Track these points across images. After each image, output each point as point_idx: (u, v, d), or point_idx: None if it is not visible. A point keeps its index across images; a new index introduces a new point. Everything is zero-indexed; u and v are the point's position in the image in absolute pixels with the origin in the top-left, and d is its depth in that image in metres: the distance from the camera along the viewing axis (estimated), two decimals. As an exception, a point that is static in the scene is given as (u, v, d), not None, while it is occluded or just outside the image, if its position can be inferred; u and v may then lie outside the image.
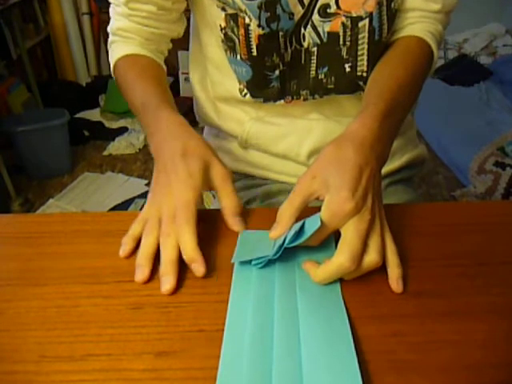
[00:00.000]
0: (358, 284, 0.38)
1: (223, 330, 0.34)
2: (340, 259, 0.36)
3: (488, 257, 0.42)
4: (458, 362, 0.32)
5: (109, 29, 0.61)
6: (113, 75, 0.62)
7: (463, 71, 2.42)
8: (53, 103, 2.36)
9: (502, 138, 1.90)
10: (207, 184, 0.45)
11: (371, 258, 0.38)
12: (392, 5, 0.54)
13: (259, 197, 0.68)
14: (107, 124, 2.40)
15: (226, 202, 0.45)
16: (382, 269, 0.39)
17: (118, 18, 0.59)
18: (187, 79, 2.41)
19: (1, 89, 2.10)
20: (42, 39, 2.54)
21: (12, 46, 2.21)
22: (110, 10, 0.60)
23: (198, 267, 0.39)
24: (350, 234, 0.38)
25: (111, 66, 0.61)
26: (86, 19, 2.63)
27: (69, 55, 2.67)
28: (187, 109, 2.37)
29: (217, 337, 0.33)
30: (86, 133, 2.32)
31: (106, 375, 0.31)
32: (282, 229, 0.40)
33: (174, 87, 2.51)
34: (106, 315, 0.36)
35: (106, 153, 2.19)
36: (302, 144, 0.64)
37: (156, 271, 0.40)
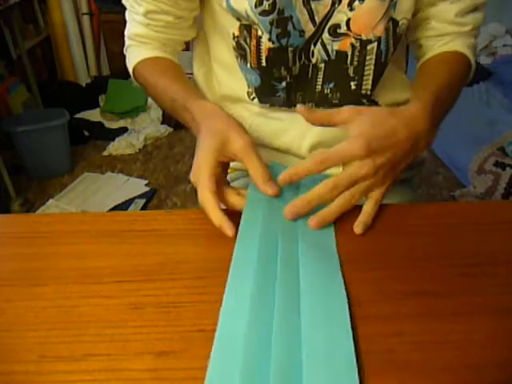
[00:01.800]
0: (359, 284, 0.38)
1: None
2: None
3: (488, 257, 0.42)
4: (460, 362, 0.32)
5: (126, 33, 0.63)
6: (132, 77, 0.65)
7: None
8: (53, 103, 2.36)
9: (502, 138, 1.90)
10: (229, 157, 0.47)
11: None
12: (397, 30, 0.57)
13: None
14: (107, 124, 2.40)
15: (252, 172, 0.46)
16: (381, 268, 0.39)
17: (135, 25, 0.61)
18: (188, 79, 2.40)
19: (1, 89, 2.09)
20: (42, 39, 2.54)
21: (12, 46, 2.21)
22: (126, 14, 0.62)
23: (224, 230, 0.43)
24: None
25: (130, 68, 0.64)
26: (85, 19, 2.63)
27: (69, 55, 2.67)
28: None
29: (217, 337, 0.33)
30: (86, 133, 2.32)
31: (106, 375, 0.31)
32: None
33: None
34: (106, 315, 0.36)
35: (105, 153, 2.19)
36: (304, 138, 0.65)
37: (156, 271, 0.40)
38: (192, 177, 0.47)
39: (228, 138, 0.46)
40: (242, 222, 0.44)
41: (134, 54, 0.62)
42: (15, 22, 2.16)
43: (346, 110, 0.47)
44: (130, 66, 0.64)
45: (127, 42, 0.64)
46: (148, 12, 0.58)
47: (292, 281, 0.37)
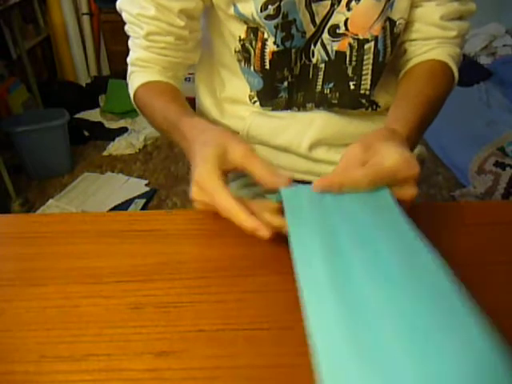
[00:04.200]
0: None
1: (223, 330, 0.34)
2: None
3: (488, 257, 0.42)
4: (458, 362, 0.32)
5: (128, 60, 0.63)
6: (133, 103, 0.63)
7: (463, 71, 2.42)
8: (53, 103, 2.36)
9: (502, 138, 1.90)
10: (230, 166, 0.44)
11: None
12: (394, 30, 0.57)
13: (260, 194, 0.68)
14: (107, 124, 2.40)
15: (258, 173, 0.42)
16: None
17: (137, 50, 0.61)
18: (187, 79, 2.39)
19: (1, 89, 2.09)
20: (41, 39, 2.54)
21: (12, 46, 2.21)
22: (129, 42, 0.62)
23: (260, 232, 0.38)
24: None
25: (131, 94, 0.62)
26: (85, 19, 2.63)
27: (69, 55, 2.67)
28: (187, 109, 2.37)
29: (217, 337, 0.34)
30: (86, 133, 2.32)
31: (106, 375, 0.31)
32: (330, 182, 0.39)
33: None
34: (106, 315, 0.36)
35: (105, 153, 2.19)
36: (304, 136, 0.65)
37: (156, 271, 0.40)
38: (195, 194, 0.43)
39: (226, 147, 0.44)
40: (288, 220, 0.38)
41: (136, 80, 0.61)
42: (15, 22, 2.16)
43: (355, 148, 0.42)
44: (131, 92, 0.62)
45: (129, 68, 0.63)
46: (149, 34, 0.57)
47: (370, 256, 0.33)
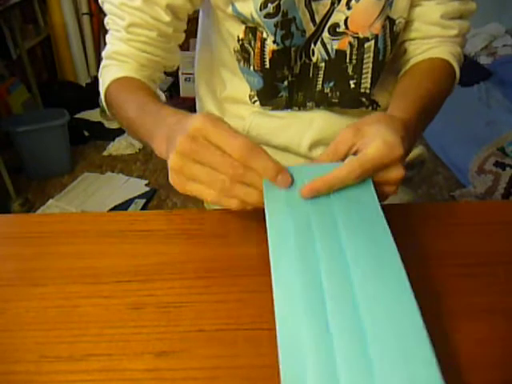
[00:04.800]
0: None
1: (223, 330, 0.34)
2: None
3: (488, 257, 0.42)
4: (459, 362, 0.32)
5: (103, 54, 0.59)
6: (103, 101, 0.58)
7: (463, 71, 2.42)
8: (53, 103, 2.36)
9: (502, 138, 1.90)
10: None
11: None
12: (394, 28, 0.57)
13: None
14: (107, 124, 2.40)
15: (263, 169, 0.38)
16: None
17: (115, 43, 0.58)
18: (187, 79, 2.40)
19: (1, 89, 2.09)
20: (41, 39, 2.54)
21: (12, 46, 2.21)
22: (107, 36, 0.59)
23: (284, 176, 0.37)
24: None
25: (102, 90, 0.57)
26: (85, 19, 2.63)
27: (69, 55, 2.67)
28: (187, 109, 2.36)
29: (217, 337, 0.34)
30: (86, 133, 2.32)
31: (106, 375, 0.31)
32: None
33: (174, 87, 2.51)
34: (106, 315, 0.36)
35: (105, 153, 2.19)
36: (304, 135, 0.65)
37: (156, 271, 0.40)
38: (181, 162, 0.37)
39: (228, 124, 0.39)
40: (267, 215, 0.38)
41: (109, 74, 0.57)
42: (15, 22, 2.15)
43: (347, 132, 0.41)
44: (103, 87, 0.57)
45: (103, 62, 0.59)
46: (131, 25, 0.55)
47: (339, 262, 0.34)
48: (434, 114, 0.56)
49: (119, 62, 0.57)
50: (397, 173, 0.41)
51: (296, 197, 0.38)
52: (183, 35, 0.60)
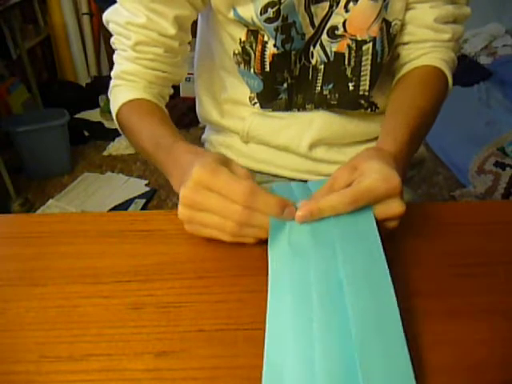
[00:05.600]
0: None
1: (223, 330, 0.34)
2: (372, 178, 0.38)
3: (488, 257, 0.42)
4: (459, 363, 0.32)
5: (112, 74, 0.60)
6: (115, 120, 0.59)
7: (463, 71, 2.42)
8: (53, 103, 2.36)
9: (502, 138, 1.90)
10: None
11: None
12: (391, 30, 0.57)
13: None
14: (107, 124, 2.40)
15: (266, 206, 0.39)
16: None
17: (123, 62, 0.58)
18: (187, 79, 2.39)
19: (1, 89, 2.10)
20: (41, 39, 2.54)
21: (12, 46, 2.21)
22: (114, 56, 0.60)
23: (289, 211, 0.38)
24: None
25: (114, 111, 0.58)
26: (85, 19, 2.63)
27: (69, 55, 2.67)
28: (187, 109, 2.36)
29: (217, 337, 0.34)
30: (86, 133, 2.32)
31: (106, 375, 0.31)
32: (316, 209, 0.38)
33: (174, 87, 2.50)
34: (106, 315, 0.36)
35: (105, 153, 2.19)
36: (303, 135, 0.65)
37: (156, 271, 0.40)
38: (188, 204, 0.39)
39: (228, 161, 0.41)
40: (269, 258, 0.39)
41: (120, 96, 0.58)
42: (15, 22, 2.15)
43: (342, 170, 0.41)
44: (115, 109, 0.58)
45: (113, 81, 0.60)
46: (137, 43, 0.55)
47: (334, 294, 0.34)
48: (426, 132, 0.56)
49: (128, 81, 0.58)
50: (397, 208, 0.40)
51: (297, 233, 0.39)
52: (188, 47, 0.61)
